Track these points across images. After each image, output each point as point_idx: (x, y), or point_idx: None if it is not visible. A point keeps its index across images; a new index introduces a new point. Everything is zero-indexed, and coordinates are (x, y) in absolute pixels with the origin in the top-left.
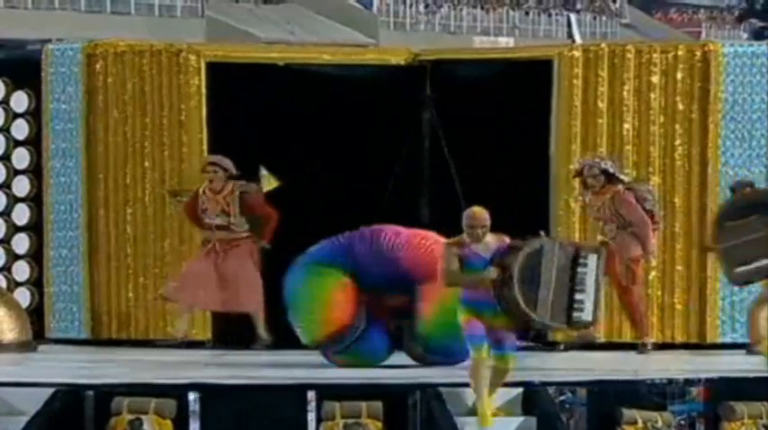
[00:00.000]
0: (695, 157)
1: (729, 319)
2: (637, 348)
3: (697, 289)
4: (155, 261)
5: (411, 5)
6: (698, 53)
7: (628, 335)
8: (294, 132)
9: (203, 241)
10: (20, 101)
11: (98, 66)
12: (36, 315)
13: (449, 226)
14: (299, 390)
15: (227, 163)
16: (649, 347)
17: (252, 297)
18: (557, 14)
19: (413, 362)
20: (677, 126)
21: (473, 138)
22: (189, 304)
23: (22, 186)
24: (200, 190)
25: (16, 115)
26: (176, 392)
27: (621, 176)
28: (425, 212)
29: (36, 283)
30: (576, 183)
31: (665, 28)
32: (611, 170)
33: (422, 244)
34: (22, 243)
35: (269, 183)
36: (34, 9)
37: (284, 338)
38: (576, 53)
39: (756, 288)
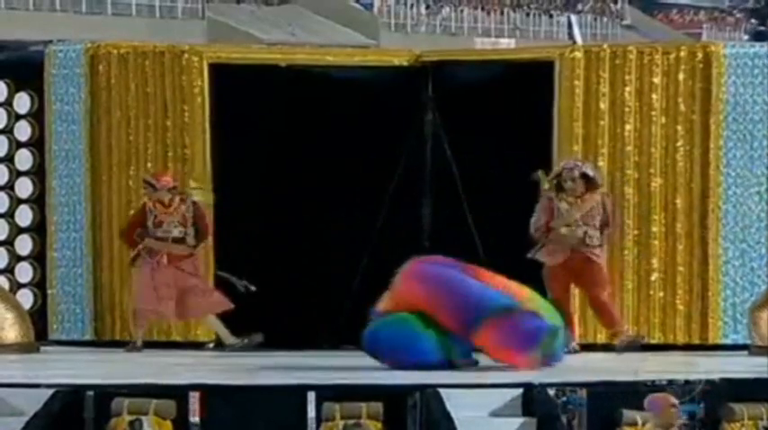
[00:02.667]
0: (697, 158)
1: (731, 320)
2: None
3: (699, 290)
4: None
5: (412, 7)
6: (699, 54)
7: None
8: (296, 133)
9: (149, 252)
10: (22, 102)
11: (101, 67)
12: (39, 316)
13: (450, 227)
14: (298, 391)
15: (152, 179)
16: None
17: (207, 303)
18: (558, 16)
19: None
20: (679, 127)
21: (475, 140)
22: (158, 315)
23: (24, 188)
24: (149, 205)
25: (19, 116)
26: (176, 393)
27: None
28: (427, 213)
29: (39, 285)
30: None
31: (666, 29)
32: (591, 173)
33: None
34: (25, 244)
35: (201, 195)
36: (35, 11)
37: (283, 339)
38: (578, 54)
39: (758, 289)
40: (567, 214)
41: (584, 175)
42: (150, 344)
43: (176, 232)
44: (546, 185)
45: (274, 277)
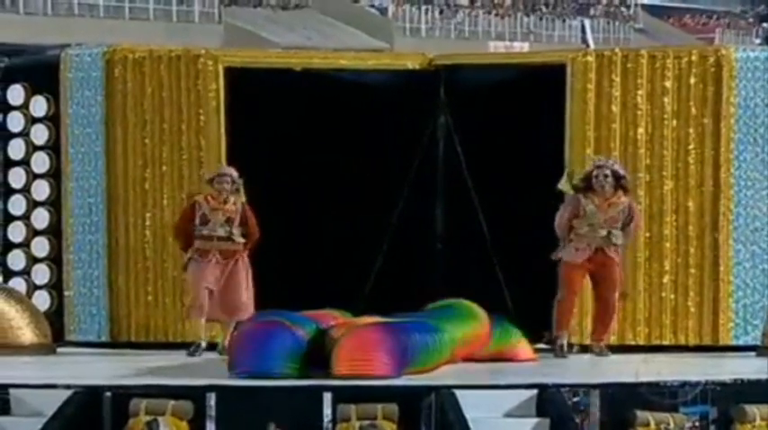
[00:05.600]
0: (708, 161)
1: (743, 322)
2: (593, 351)
3: (710, 292)
4: (174, 264)
5: (426, 11)
6: (711, 58)
7: (641, 338)
8: (310, 137)
9: (201, 252)
10: (39, 105)
11: (117, 71)
12: (55, 318)
13: (462, 229)
14: (314, 392)
15: (235, 174)
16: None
17: (247, 306)
18: (571, 20)
19: None
20: (690, 130)
21: (487, 143)
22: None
23: (41, 190)
24: (199, 201)
25: (35, 120)
26: (194, 394)
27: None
28: (440, 217)
29: (55, 286)
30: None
31: (678, 33)
32: (622, 172)
33: None
34: (41, 246)
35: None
36: (53, 15)
37: None
38: (590, 58)
39: None
40: (591, 215)
41: (614, 173)
42: (166, 346)
43: (222, 231)
44: (567, 189)
45: (289, 278)
